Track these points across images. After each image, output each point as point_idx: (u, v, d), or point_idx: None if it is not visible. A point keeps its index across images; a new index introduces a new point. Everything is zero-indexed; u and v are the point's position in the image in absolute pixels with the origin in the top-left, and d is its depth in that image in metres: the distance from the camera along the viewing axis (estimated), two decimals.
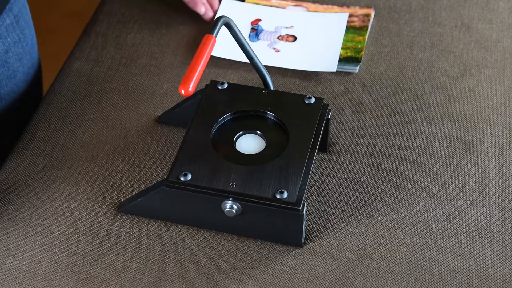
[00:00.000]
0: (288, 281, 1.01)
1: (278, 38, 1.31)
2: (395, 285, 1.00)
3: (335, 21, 1.33)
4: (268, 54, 1.29)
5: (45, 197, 1.10)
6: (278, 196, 0.99)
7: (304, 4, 1.37)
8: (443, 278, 1.01)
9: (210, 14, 1.35)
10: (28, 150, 1.15)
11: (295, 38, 1.31)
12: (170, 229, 1.06)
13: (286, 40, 1.31)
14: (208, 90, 1.12)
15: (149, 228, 1.06)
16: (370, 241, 1.05)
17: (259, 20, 1.35)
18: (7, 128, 1.27)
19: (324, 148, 1.15)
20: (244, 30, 1.33)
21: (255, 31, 1.33)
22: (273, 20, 1.35)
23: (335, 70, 1.25)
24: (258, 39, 1.32)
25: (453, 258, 1.03)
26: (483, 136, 1.17)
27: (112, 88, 1.24)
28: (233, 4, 1.38)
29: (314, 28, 1.33)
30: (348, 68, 1.26)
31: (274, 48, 1.30)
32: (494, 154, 1.14)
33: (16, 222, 1.07)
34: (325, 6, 1.37)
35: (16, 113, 1.28)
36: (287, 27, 1.33)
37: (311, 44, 1.31)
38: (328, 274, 1.01)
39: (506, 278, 1.01)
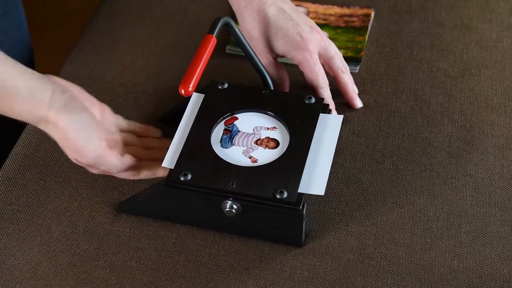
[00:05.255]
0: (288, 281, 1.01)
1: (256, 142, 1.07)
2: (395, 285, 1.00)
3: (329, 123, 1.10)
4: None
5: (45, 197, 1.10)
6: (278, 196, 0.99)
7: (304, 4, 1.37)
8: (443, 278, 1.01)
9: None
10: (28, 149, 1.15)
11: (277, 144, 1.07)
12: (170, 229, 1.06)
13: (266, 146, 1.07)
14: (208, 90, 1.12)
15: (149, 228, 1.06)
16: (370, 241, 1.05)
17: (235, 118, 1.10)
18: None
19: None
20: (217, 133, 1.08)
21: (229, 133, 1.08)
22: (251, 118, 1.10)
23: (322, 194, 1.02)
24: (231, 144, 1.07)
25: (453, 258, 1.03)
26: (483, 136, 1.17)
27: (112, 88, 1.24)
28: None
29: None
30: (348, 68, 1.26)
31: (250, 157, 1.05)
32: (494, 154, 1.14)
33: (16, 222, 1.07)
34: (325, 6, 1.37)
35: None
36: (268, 128, 1.09)
37: None
38: (328, 274, 1.01)
39: (506, 278, 1.01)
